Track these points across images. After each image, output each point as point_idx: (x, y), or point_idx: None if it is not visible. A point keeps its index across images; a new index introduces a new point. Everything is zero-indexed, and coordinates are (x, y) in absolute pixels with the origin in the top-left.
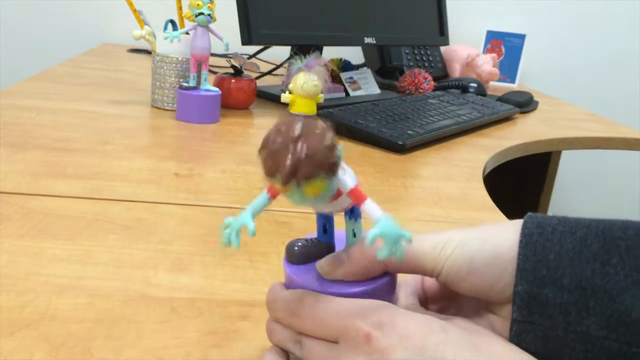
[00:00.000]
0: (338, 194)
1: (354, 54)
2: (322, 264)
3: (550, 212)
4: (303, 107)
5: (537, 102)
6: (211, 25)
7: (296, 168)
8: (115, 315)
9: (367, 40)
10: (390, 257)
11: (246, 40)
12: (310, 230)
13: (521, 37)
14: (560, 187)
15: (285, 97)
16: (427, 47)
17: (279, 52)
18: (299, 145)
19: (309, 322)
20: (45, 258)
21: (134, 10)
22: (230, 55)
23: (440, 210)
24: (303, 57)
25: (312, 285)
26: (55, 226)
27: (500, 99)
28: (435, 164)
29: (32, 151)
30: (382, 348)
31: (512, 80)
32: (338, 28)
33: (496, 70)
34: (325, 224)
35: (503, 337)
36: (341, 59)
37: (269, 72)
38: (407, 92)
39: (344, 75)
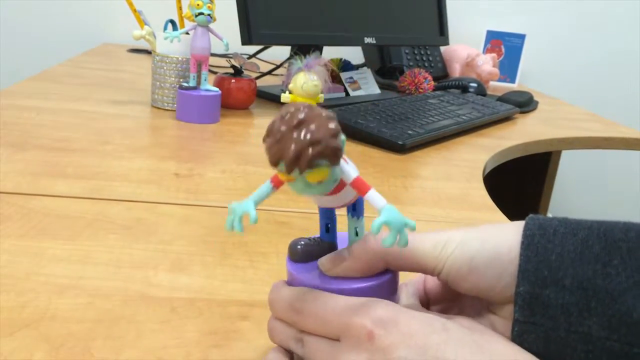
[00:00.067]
0: (341, 185)
1: (354, 54)
2: (324, 260)
3: (550, 212)
4: None
5: (537, 102)
6: (211, 25)
7: (300, 154)
8: (115, 315)
9: (367, 40)
10: (395, 245)
11: (246, 40)
12: (309, 229)
13: (521, 37)
14: (560, 187)
15: (285, 97)
16: (427, 47)
17: (279, 52)
18: (303, 132)
19: (311, 320)
20: (45, 258)
21: (134, 10)
22: (230, 55)
23: (440, 210)
24: (303, 57)
25: (314, 282)
26: (55, 226)
27: (500, 99)
28: (435, 164)
29: (32, 151)
30: (384, 346)
31: (512, 80)
32: (338, 28)
33: (496, 70)
34: (328, 223)
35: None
36: (341, 59)
37: (269, 72)
38: (407, 92)
39: (344, 75)
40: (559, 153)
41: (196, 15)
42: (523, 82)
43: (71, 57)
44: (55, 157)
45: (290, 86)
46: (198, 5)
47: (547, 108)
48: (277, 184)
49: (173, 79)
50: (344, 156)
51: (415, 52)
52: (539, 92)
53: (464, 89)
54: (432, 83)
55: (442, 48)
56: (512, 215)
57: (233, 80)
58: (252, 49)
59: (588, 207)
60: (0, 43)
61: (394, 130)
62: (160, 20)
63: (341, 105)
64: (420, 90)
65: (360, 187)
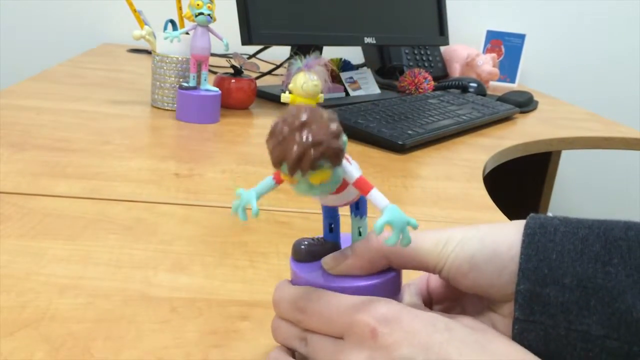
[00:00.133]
0: (344, 185)
1: (354, 54)
2: (327, 259)
3: (550, 212)
4: None
5: (537, 102)
6: (211, 25)
7: (302, 156)
8: (115, 315)
9: (367, 40)
10: (398, 244)
11: (246, 40)
12: (310, 229)
13: (521, 37)
14: (560, 187)
15: (285, 97)
16: (427, 47)
17: (279, 52)
18: (305, 133)
19: (315, 319)
20: (45, 258)
21: (134, 10)
22: (230, 55)
23: (440, 210)
24: (303, 57)
25: (318, 281)
26: (55, 226)
27: (500, 99)
28: (435, 163)
29: (32, 151)
30: (387, 344)
31: (512, 80)
32: (338, 28)
33: (496, 70)
34: (332, 223)
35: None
36: (341, 59)
37: (269, 72)
38: (407, 92)
39: (344, 75)
40: (559, 153)
41: (196, 15)
42: (523, 82)
43: (71, 57)
44: (55, 157)
45: (290, 86)
46: (198, 5)
47: (547, 108)
48: (278, 181)
49: (173, 79)
50: (347, 156)
51: (415, 52)
52: (539, 92)
53: (464, 89)
54: (432, 83)
55: (442, 48)
56: (512, 215)
57: (233, 80)
58: (252, 49)
59: (588, 207)
60: (0, 43)
61: (394, 130)
62: (160, 20)
63: (341, 105)
64: (420, 90)
65: (363, 186)
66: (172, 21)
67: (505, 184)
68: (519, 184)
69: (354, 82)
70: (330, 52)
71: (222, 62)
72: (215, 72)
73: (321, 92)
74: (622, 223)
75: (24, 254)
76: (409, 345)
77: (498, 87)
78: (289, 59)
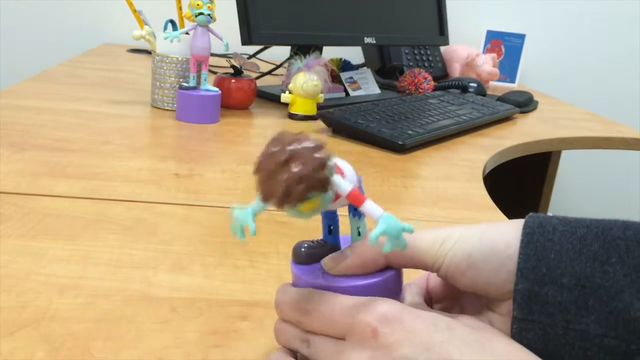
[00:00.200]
0: (338, 195)
1: (354, 54)
2: (327, 259)
3: (550, 212)
4: (303, 107)
5: (537, 102)
6: (211, 25)
7: (289, 193)
8: (115, 315)
9: (367, 40)
10: (394, 249)
11: (246, 40)
12: (309, 229)
13: (521, 37)
14: (560, 187)
15: (285, 97)
16: (427, 47)
17: (279, 52)
18: (290, 169)
19: (316, 320)
20: (45, 258)
21: (134, 10)
22: (230, 55)
23: (440, 210)
24: (303, 57)
25: (319, 282)
26: (55, 226)
27: (500, 99)
28: (435, 163)
29: (32, 151)
30: (388, 344)
31: (512, 80)
32: (338, 28)
33: (496, 70)
34: (331, 224)
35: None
36: (341, 59)
37: (269, 72)
38: (407, 92)
39: (344, 75)
40: (559, 153)
41: (196, 15)
42: (523, 82)
43: (71, 57)
44: (55, 157)
45: (290, 86)
46: (198, 5)
47: (547, 108)
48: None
49: (173, 79)
50: (342, 165)
51: (415, 52)
52: (539, 92)
53: (464, 89)
54: (432, 83)
55: (442, 48)
56: (512, 215)
57: (233, 80)
58: (252, 49)
59: (588, 207)
60: (0, 43)
61: (394, 130)
62: (160, 20)
63: (341, 105)
64: (420, 90)
65: (355, 200)
66: (172, 21)
67: (505, 184)
68: (519, 184)
69: (354, 82)
70: (330, 52)
71: (222, 62)
72: (215, 72)
73: (321, 92)
74: (620, 222)
75: (24, 254)
76: (410, 344)
77: (498, 87)
78: (289, 59)
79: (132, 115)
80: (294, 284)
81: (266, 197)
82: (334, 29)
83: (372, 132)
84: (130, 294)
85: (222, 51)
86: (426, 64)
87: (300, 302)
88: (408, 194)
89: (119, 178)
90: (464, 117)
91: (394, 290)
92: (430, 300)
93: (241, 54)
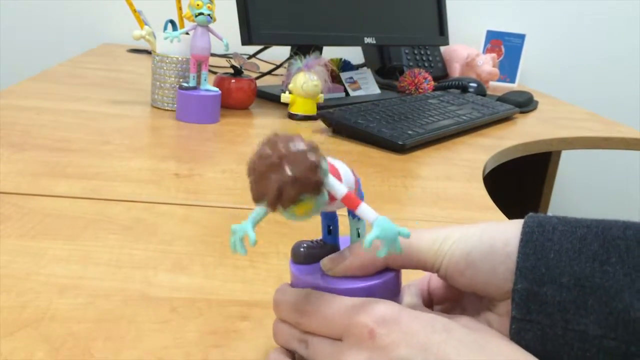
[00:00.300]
0: (333, 197)
1: (354, 54)
2: (326, 260)
3: (550, 212)
4: (303, 107)
5: (537, 102)
6: (211, 25)
7: (280, 194)
8: (115, 315)
9: (367, 40)
10: (389, 254)
11: (246, 40)
12: (309, 229)
13: (521, 37)
14: (560, 187)
15: (285, 97)
16: (427, 47)
17: (279, 52)
18: (282, 170)
19: (314, 320)
20: (45, 258)
21: (134, 10)
22: (230, 55)
23: (440, 210)
24: (303, 57)
25: (317, 283)
26: (55, 226)
27: (500, 99)
28: (435, 164)
29: (32, 151)
30: (385, 345)
31: (512, 80)
32: (338, 28)
33: (496, 70)
34: (330, 225)
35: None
36: (341, 59)
37: (269, 72)
38: (407, 92)
39: (344, 75)
40: (559, 153)
41: (196, 16)
42: (523, 82)
43: (71, 57)
44: (55, 157)
45: (290, 86)
46: (198, 5)
47: (547, 108)
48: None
49: (173, 79)
50: (338, 167)
51: (415, 52)
52: (539, 92)
53: (464, 89)
54: (432, 83)
55: (442, 48)
56: (512, 215)
57: (233, 80)
58: (252, 49)
59: (588, 207)
60: (0, 43)
61: (394, 130)
62: (160, 20)
63: (341, 105)
64: (420, 90)
65: (350, 203)
66: (172, 21)
67: (505, 184)
68: (519, 184)
69: (354, 82)
70: (330, 52)
71: (222, 62)
72: (215, 72)
73: (321, 92)
74: (620, 222)
75: (24, 254)
76: (407, 345)
77: (498, 87)
78: (289, 59)
79: (132, 115)
80: (293, 284)
81: (258, 198)
82: (334, 29)
83: (372, 132)
84: (130, 294)
85: (222, 51)
86: (426, 64)
87: (298, 302)
88: (408, 194)
89: (119, 178)
90: (464, 117)
91: (392, 292)
92: (432, 302)
93: (241, 54)
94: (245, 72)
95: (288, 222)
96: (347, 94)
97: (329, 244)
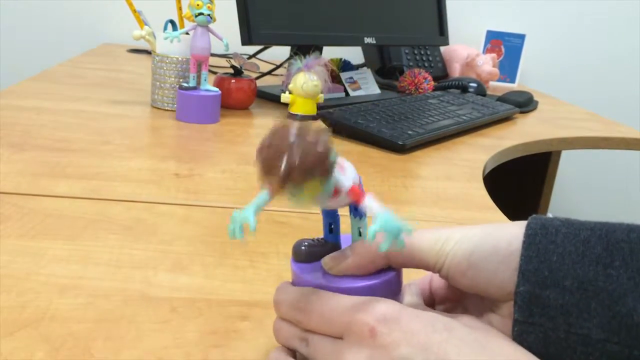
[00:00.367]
0: (337, 191)
1: (354, 54)
2: (327, 259)
3: (550, 212)
4: (303, 107)
5: (537, 102)
6: (211, 25)
7: (290, 173)
8: (115, 316)
9: (367, 40)
10: (391, 249)
11: (246, 40)
12: (309, 229)
13: (521, 37)
14: (560, 187)
15: (285, 97)
16: (427, 47)
17: (279, 52)
18: (293, 150)
19: (315, 319)
20: (45, 258)
21: (134, 11)
22: (230, 55)
23: (440, 210)
24: (303, 57)
25: (319, 282)
26: (55, 226)
27: (500, 99)
28: (435, 164)
29: (32, 151)
30: (386, 343)
31: (512, 80)
32: (338, 28)
33: (496, 70)
34: (331, 223)
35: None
36: (341, 59)
37: (269, 72)
38: (407, 92)
39: (344, 75)
40: (559, 153)
41: (196, 16)
42: (523, 82)
43: (71, 57)
44: (55, 157)
45: (290, 86)
46: (198, 5)
47: (547, 108)
48: (273, 192)
49: (173, 79)
50: (342, 162)
51: (415, 52)
52: (539, 92)
53: (464, 89)
54: (432, 83)
55: (442, 48)
56: (512, 215)
57: (233, 81)
58: (252, 49)
59: (588, 207)
60: (0, 43)
61: (394, 130)
62: (160, 20)
63: (341, 105)
64: (420, 90)
65: (356, 196)
66: (172, 21)
67: (505, 184)
68: (519, 184)
69: (354, 82)
70: (330, 52)
71: (222, 62)
72: (215, 72)
73: (321, 92)
74: (624, 225)
75: (24, 254)
76: (407, 344)
77: (498, 87)
78: (289, 59)
79: (132, 115)
80: (294, 283)
81: (268, 172)
82: (334, 29)
83: (372, 132)
84: (130, 294)
85: (222, 51)
86: (426, 64)
87: (299, 301)
88: (408, 194)
89: (119, 178)
90: (464, 117)
91: (393, 291)
92: (433, 302)
93: (241, 54)
94: (245, 72)
95: (288, 222)
96: (347, 94)
97: (330, 242)
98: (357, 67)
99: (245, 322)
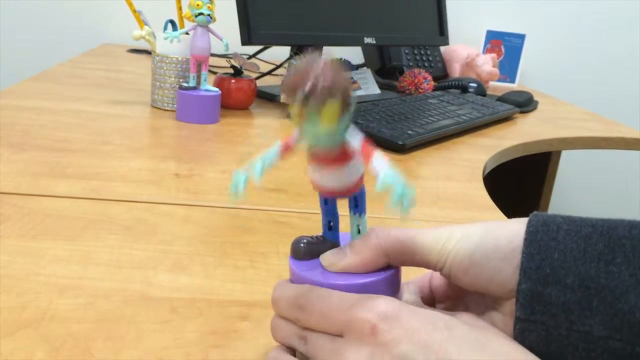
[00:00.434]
0: (346, 155)
1: (354, 54)
2: (326, 256)
3: (550, 212)
4: None
5: (537, 102)
6: (211, 26)
7: (314, 87)
8: (115, 316)
9: (367, 40)
10: (397, 207)
11: (246, 40)
12: (309, 229)
13: (521, 37)
14: (560, 187)
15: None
16: (427, 47)
17: (279, 52)
18: (319, 69)
19: (314, 316)
20: (45, 258)
21: (134, 11)
22: (230, 55)
23: (440, 210)
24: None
25: (317, 278)
26: (55, 226)
27: (500, 99)
28: (435, 163)
29: (32, 151)
30: (386, 341)
31: (512, 80)
32: (338, 28)
33: (496, 70)
34: (331, 221)
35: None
36: (341, 59)
37: (269, 72)
38: (407, 92)
39: None
40: (559, 153)
41: (196, 16)
42: (523, 82)
43: (71, 57)
44: (55, 157)
45: None
46: (198, 5)
47: (547, 108)
48: (285, 148)
49: (173, 79)
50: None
51: (415, 52)
52: (539, 92)
53: (464, 89)
54: (432, 83)
55: (442, 48)
56: (512, 216)
57: (233, 81)
58: (252, 49)
59: (588, 207)
60: (0, 43)
61: (394, 130)
62: (160, 21)
63: None
64: (420, 90)
65: (367, 149)
66: (172, 21)
67: (505, 184)
68: (519, 184)
69: (354, 82)
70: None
71: (222, 62)
72: (215, 72)
73: None
74: (626, 222)
75: (24, 254)
76: (408, 342)
77: (498, 87)
78: (289, 59)
79: (132, 115)
80: (292, 280)
81: (292, 88)
82: (334, 29)
83: (372, 132)
84: (130, 294)
85: (222, 51)
86: (426, 64)
87: (297, 298)
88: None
89: (119, 178)
90: (464, 117)
91: (392, 289)
92: (433, 300)
93: (241, 54)
94: (245, 72)
95: (288, 222)
96: None
97: (329, 240)
98: (357, 67)
99: (245, 322)
